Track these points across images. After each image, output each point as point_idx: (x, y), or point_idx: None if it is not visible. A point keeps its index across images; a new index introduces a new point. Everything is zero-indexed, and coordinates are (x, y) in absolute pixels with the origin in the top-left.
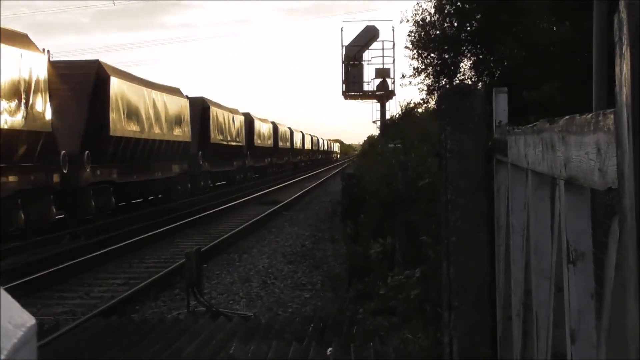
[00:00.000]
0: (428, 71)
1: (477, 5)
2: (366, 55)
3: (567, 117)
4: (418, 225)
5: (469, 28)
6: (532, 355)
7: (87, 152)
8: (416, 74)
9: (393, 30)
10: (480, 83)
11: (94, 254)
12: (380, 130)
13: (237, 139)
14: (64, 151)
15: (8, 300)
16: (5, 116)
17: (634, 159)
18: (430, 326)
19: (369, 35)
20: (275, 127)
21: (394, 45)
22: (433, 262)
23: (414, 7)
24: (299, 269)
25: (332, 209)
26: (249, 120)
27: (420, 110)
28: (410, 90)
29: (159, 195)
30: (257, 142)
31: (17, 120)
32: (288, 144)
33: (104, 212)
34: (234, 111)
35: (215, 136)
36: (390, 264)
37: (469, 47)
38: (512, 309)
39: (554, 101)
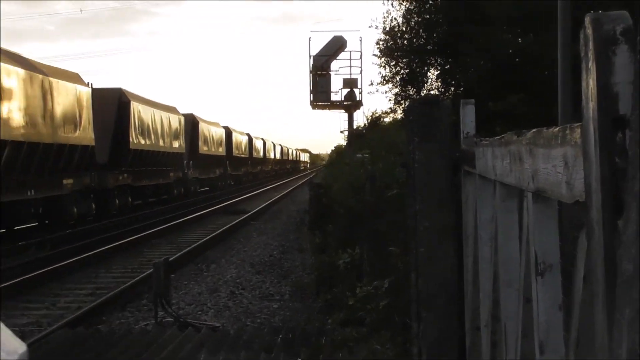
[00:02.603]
0: (396, 80)
1: (443, 16)
2: (334, 65)
3: (534, 130)
4: (386, 235)
5: (435, 39)
6: None
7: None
8: (384, 82)
9: (360, 40)
10: (447, 93)
11: (61, 264)
12: (347, 140)
13: (220, 150)
14: None
15: (1, 327)
16: None
17: (600, 173)
18: (399, 337)
19: (336, 46)
20: (250, 139)
21: (361, 55)
22: (401, 272)
23: (384, 14)
24: (267, 279)
25: (300, 219)
26: (228, 132)
27: (387, 119)
28: (378, 99)
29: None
30: (235, 152)
31: None
32: (261, 153)
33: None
34: (215, 124)
35: (202, 147)
36: (359, 274)
37: (436, 58)
38: (480, 319)
39: (520, 112)
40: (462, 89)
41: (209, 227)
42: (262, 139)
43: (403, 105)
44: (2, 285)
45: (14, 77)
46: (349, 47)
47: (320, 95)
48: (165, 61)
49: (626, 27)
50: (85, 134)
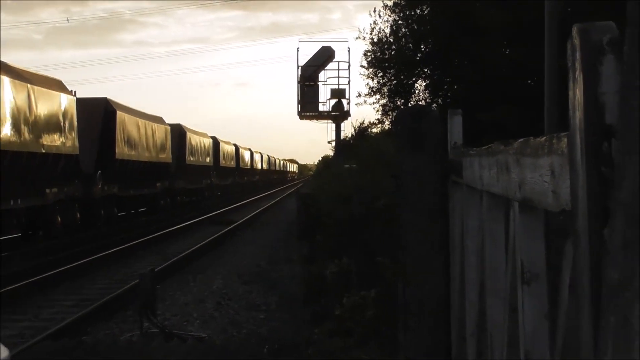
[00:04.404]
0: (383, 91)
1: (432, 27)
2: (322, 75)
3: (521, 139)
4: (374, 245)
5: (423, 50)
6: None
7: None
8: (372, 93)
9: (349, 51)
10: (435, 104)
11: (45, 275)
12: (335, 151)
13: (232, 163)
14: None
15: None
16: None
17: (587, 182)
18: (386, 346)
19: (324, 56)
20: (252, 153)
21: (349, 66)
22: (388, 282)
23: (371, 24)
24: (254, 289)
25: (288, 229)
26: (237, 149)
27: (375, 130)
28: (366, 110)
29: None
30: (241, 165)
31: None
32: (233, 162)
33: None
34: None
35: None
36: (346, 284)
37: (424, 69)
38: (466, 329)
39: (508, 123)
40: (450, 99)
41: (196, 237)
42: (260, 152)
43: (391, 116)
44: None
45: (142, 126)
46: (337, 57)
47: (308, 106)
48: (152, 70)
49: (613, 37)
50: (168, 155)
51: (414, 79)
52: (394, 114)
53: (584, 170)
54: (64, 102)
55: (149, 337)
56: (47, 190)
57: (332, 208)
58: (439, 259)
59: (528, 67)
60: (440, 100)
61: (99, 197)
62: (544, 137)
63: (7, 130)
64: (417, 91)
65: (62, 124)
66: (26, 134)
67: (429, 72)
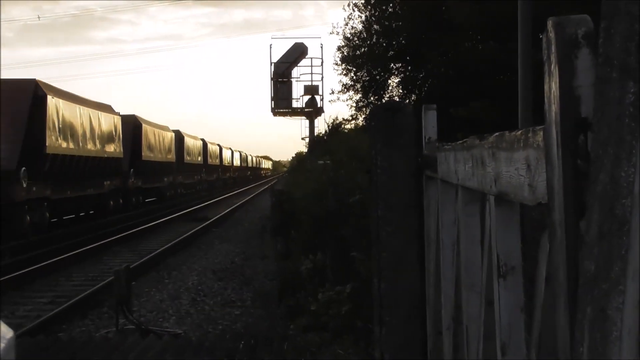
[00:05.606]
0: (357, 87)
1: (404, 23)
2: (295, 72)
3: (497, 133)
4: (349, 241)
5: (396, 46)
6: None
7: None
8: (345, 90)
9: (322, 47)
10: (408, 100)
11: (20, 272)
12: (309, 147)
13: (216, 161)
14: None
15: None
16: None
17: (563, 175)
18: (361, 341)
19: (297, 52)
20: (232, 152)
21: (322, 62)
22: (363, 277)
23: (345, 19)
24: (229, 285)
25: (262, 225)
26: (220, 148)
27: (348, 126)
28: (340, 106)
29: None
30: (224, 163)
31: None
32: (217, 160)
33: None
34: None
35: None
36: (321, 280)
37: (397, 65)
38: (442, 323)
39: (481, 118)
40: (423, 95)
41: (171, 235)
42: (239, 151)
43: (364, 112)
44: None
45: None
46: (310, 53)
47: (281, 102)
48: (124, 67)
49: (588, 30)
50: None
51: (387, 75)
52: (368, 110)
53: (560, 163)
54: (115, 121)
55: (125, 334)
56: (105, 183)
57: (306, 204)
58: (413, 253)
59: (501, 62)
60: (413, 96)
61: (132, 188)
62: (520, 131)
63: (89, 144)
64: (390, 87)
65: (114, 136)
66: (97, 145)
67: (401, 68)
